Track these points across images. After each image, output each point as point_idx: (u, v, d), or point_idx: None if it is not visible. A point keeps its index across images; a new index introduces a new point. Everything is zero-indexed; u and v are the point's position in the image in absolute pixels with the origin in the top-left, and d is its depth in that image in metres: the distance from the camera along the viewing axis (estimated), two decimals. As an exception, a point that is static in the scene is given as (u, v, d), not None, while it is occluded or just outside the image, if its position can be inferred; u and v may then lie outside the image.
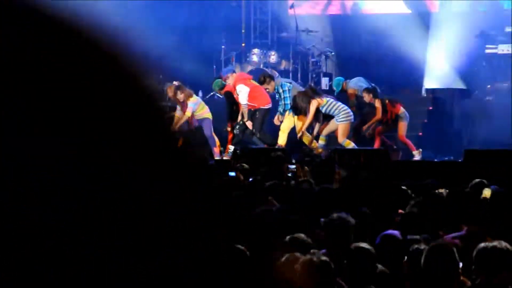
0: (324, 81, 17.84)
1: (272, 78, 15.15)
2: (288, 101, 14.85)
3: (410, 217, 6.45)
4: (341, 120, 14.43)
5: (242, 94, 14.69)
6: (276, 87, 14.89)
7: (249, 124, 14.80)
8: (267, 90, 14.88)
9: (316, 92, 14.76)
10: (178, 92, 14.75)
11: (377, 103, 14.73)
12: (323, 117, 14.85)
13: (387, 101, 14.81)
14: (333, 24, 18.68)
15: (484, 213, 6.67)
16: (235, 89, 14.81)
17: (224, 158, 14.50)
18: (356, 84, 15.31)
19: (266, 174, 9.55)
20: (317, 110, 14.59)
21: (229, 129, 15.22)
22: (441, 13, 18.41)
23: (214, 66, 18.26)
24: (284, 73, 18.03)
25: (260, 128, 14.94)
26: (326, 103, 14.49)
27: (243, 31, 19.76)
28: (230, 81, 14.98)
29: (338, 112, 14.47)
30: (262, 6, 20.15)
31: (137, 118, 1.19)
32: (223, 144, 15.27)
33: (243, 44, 19.17)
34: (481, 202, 7.03)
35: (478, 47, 17.09)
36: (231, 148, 14.89)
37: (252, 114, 14.85)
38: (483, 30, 16.95)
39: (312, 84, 15.91)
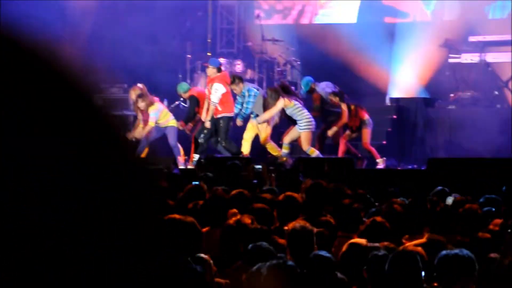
0: (290, 90, 17.89)
1: (242, 80, 15.14)
2: (250, 106, 14.87)
3: (373, 225, 6.48)
4: (303, 128, 14.45)
5: (217, 93, 14.68)
6: (243, 91, 14.90)
7: (207, 124, 14.76)
8: (234, 91, 14.87)
9: (286, 91, 14.73)
10: (139, 100, 14.73)
11: (343, 107, 14.83)
12: (289, 120, 14.88)
13: (352, 106, 14.90)
14: (298, 33, 18.76)
15: (446, 221, 6.73)
16: (211, 84, 14.75)
17: (189, 167, 14.48)
18: (323, 89, 15.34)
19: (226, 183, 9.55)
20: (282, 110, 14.62)
21: (185, 130, 15.19)
22: (405, 22, 18.60)
23: (180, 75, 18.24)
24: (249, 82, 18.05)
25: (225, 137, 14.93)
26: (293, 106, 14.49)
27: (209, 40, 19.76)
28: (210, 73, 14.92)
29: (300, 118, 14.46)
30: (228, 15, 20.19)
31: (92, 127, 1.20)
32: (187, 153, 15.24)
33: (209, 53, 19.17)
34: (443, 210, 7.07)
35: (441, 56, 17.25)
36: (195, 157, 14.87)
37: (215, 122, 14.85)
38: (447, 39, 17.10)
39: (286, 82, 15.88)
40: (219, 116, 14.87)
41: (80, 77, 1.23)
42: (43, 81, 1.19)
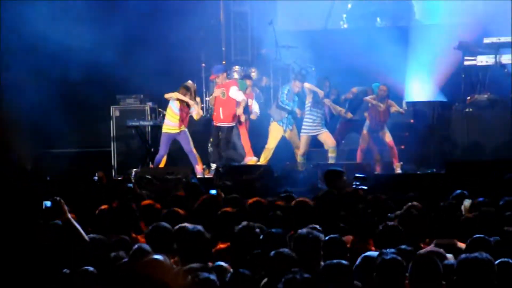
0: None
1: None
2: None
3: (386, 230, 6.45)
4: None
5: (240, 92, 14.99)
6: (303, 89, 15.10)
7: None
8: (296, 88, 14.95)
9: None
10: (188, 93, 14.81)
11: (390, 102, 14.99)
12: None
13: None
14: (313, 39, 18.72)
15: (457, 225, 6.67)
16: (226, 88, 14.88)
17: (206, 176, 14.49)
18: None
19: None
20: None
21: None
22: (419, 25, 18.56)
23: (191, 81, 18.26)
24: (265, 89, 18.05)
25: (226, 147, 15.00)
26: None
27: (223, 48, 19.76)
28: (220, 81, 15.01)
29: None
30: (242, 23, 20.18)
31: None
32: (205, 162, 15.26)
33: (223, 62, 19.17)
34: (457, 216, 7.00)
35: (456, 59, 17.16)
36: (212, 165, 14.88)
37: (215, 131, 15.03)
38: (461, 41, 17.01)
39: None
40: (219, 124, 14.99)
41: None
42: None
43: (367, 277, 5.52)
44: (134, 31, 17.91)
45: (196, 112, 14.81)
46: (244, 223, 6.34)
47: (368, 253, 6.03)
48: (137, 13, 18.00)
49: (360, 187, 9.99)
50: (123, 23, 17.53)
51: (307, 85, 15.05)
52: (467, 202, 8.15)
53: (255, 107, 15.73)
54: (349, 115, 15.23)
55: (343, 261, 5.40)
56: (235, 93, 14.91)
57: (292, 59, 18.14)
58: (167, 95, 14.87)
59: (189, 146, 14.71)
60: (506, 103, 16.29)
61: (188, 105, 14.72)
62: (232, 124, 15.01)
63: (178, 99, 14.66)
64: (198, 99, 15.28)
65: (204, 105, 18.01)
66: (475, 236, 6.24)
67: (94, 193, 9.75)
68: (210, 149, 15.18)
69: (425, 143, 16.30)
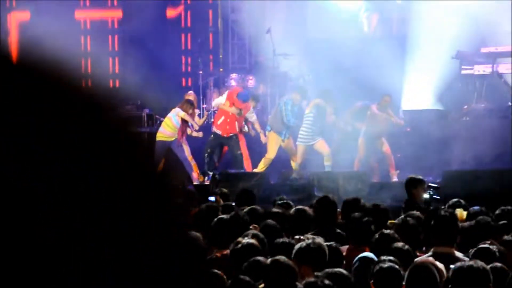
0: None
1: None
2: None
3: (382, 237, 6.45)
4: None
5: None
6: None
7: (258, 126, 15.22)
8: (296, 101, 15.05)
9: None
10: (192, 108, 14.83)
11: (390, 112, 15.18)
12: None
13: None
14: (310, 47, 18.75)
15: (455, 234, 6.66)
16: (246, 110, 15.04)
17: (205, 183, 14.49)
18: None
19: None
20: None
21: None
22: (417, 34, 18.58)
23: (192, 92, 18.28)
24: (262, 97, 18.06)
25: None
26: None
27: (220, 56, 19.79)
28: (240, 105, 15.14)
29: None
30: (240, 30, 20.21)
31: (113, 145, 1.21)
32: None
33: (221, 70, 19.19)
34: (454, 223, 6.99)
35: (454, 68, 17.19)
36: (208, 172, 14.89)
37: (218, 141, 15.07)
38: (459, 51, 17.05)
39: None
40: (232, 134, 15.09)
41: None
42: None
43: (363, 279, 5.53)
44: (131, 38, 17.92)
45: (192, 131, 14.89)
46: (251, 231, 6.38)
47: (365, 254, 6.05)
48: (134, 20, 18.02)
49: (434, 196, 9.92)
50: (120, 30, 17.55)
51: (318, 101, 14.97)
52: (458, 211, 8.15)
53: (252, 118, 15.63)
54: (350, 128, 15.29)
55: (343, 270, 5.40)
56: (250, 115, 15.16)
57: (288, 66, 18.16)
58: (180, 113, 14.75)
59: (184, 154, 14.73)
60: (503, 112, 16.33)
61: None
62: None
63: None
64: (206, 113, 15.49)
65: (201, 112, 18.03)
66: (480, 246, 6.25)
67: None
68: (206, 159, 15.15)
69: (421, 152, 16.30)
